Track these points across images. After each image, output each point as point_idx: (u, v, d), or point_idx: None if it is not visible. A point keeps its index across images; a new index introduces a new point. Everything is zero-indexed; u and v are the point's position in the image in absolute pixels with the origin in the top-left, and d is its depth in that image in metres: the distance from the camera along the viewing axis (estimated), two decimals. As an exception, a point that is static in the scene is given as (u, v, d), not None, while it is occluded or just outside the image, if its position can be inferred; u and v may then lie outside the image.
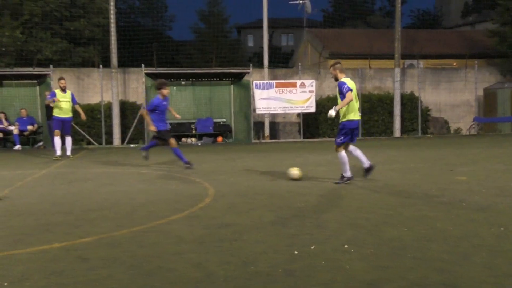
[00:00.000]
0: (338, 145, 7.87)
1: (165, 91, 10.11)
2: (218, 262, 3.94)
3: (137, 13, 38.44)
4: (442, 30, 36.31)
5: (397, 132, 19.90)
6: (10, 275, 3.75)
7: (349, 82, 7.70)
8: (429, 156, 11.99)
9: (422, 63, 24.64)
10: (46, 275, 3.75)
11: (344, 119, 7.79)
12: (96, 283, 3.55)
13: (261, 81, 18.38)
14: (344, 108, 7.73)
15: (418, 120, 20.31)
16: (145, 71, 17.79)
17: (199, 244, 4.51)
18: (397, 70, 20.19)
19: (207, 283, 3.50)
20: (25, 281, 3.63)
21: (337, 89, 7.82)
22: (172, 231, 5.01)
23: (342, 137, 7.82)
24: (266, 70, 19.84)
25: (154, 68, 19.28)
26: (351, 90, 7.57)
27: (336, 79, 7.90)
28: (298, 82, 18.36)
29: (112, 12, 18.38)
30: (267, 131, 19.61)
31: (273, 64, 20.95)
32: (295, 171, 8.28)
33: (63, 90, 12.67)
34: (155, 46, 23.31)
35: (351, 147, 8.02)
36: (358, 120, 7.89)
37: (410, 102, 20.45)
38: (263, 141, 18.93)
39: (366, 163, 8.07)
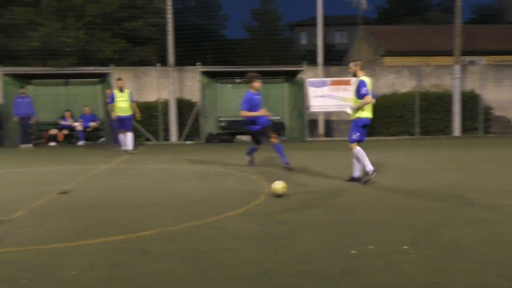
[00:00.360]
0: (352, 142, 7.88)
1: (256, 84, 9.56)
2: (274, 259, 3.97)
3: (193, 12, 39.15)
4: (506, 25, 34.69)
5: (456, 131, 19.23)
6: (77, 265, 3.95)
7: (368, 82, 7.78)
8: (492, 156, 11.52)
9: (483, 59, 23.66)
10: (110, 266, 3.92)
11: (356, 116, 7.85)
12: (157, 276, 3.68)
13: (315, 79, 18.28)
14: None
15: (479, 118, 19.53)
16: (200, 69, 18.11)
17: (255, 240, 4.57)
18: (457, 67, 19.50)
19: (264, 280, 3.55)
20: (91, 271, 3.81)
21: (355, 85, 7.88)
22: (229, 227, 5.10)
23: (358, 133, 7.85)
24: (320, 68, 19.70)
25: (209, 66, 19.58)
26: (368, 94, 7.65)
27: (355, 75, 7.98)
28: (353, 79, 18.10)
29: (169, 12, 18.83)
30: (321, 129, 19.48)
31: (326, 62, 20.74)
32: (278, 186, 6.73)
33: (121, 90, 13.31)
34: (210, 45, 23.66)
35: (358, 148, 7.93)
36: (369, 118, 7.93)
37: (470, 100, 19.69)
38: (317, 139, 18.83)
39: (357, 172, 7.93)
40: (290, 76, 19.43)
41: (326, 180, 8.16)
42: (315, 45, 20.95)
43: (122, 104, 13.28)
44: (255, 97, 9.58)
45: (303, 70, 18.24)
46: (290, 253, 4.13)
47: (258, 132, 9.65)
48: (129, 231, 4.96)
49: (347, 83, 17.97)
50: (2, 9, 23.19)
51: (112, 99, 13.39)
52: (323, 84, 17.93)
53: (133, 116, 13.67)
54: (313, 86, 17.90)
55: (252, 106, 9.50)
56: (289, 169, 9.30)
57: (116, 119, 13.43)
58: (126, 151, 13.38)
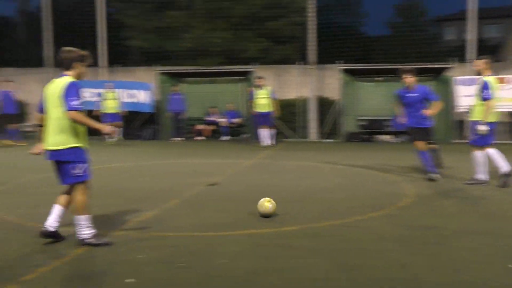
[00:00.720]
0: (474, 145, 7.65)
1: (406, 80, 8.36)
2: (424, 266, 3.80)
3: (333, 10, 38.91)
4: None
5: None
6: (227, 254, 4.19)
7: (493, 84, 7.31)
8: None
9: None
10: (256, 257, 4.09)
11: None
12: (302, 272, 3.74)
13: (464, 77, 17.04)
14: (482, 109, 7.33)
15: None
16: (341, 67, 17.97)
17: (402, 244, 4.42)
18: None
19: (413, 286, 3.42)
20: (240, 260, 4.01)
21: (479, 85, 7.43)
22: (373, 228, 5.00)
23: (477, 138, 7.48)
24: (469, 65, 18.31)
25: (349, 64, 19.31)
26: (491, 97, 7.21)
27: (479, 74, 7.50)
28: (509, 78, 16.53)
29: (311, 10, 18.97)
30: (469, 131, 18.12)
31: (477, 58, 19.21)
32: (265, 205, 5.59)
33: (260, 87, 14.03)
34: (350, 42, 23.33)
35: (490, 150, 7.54)
36: (495, 122, 7.55)
37: None
38: (465, 141, 17.56)
39: (505, 167, 7.41)
40: (436, 74, 18.36)
41: (477, 185, 7.54)
42: (463, 41, 19.53)
43: (262, 101, 14.07)
44: (407, 94, 8.47)
45: (452, 67, 17.13)
46: (441, 261, 3.92)
47: (407, 130, 8.89)
48: (273, 225, 5.12)
49: (501, 81, 16.45)
50: (160, 13, 25.37)
51: (252, 96, 14.18)
52: (473, 83, 16.62)
53: (272, 113, 14.21)
54: (462, 84, 16.73)
55: (405, 104, 8.55)
56: (431, 179, 8.03)
57: (257, 115, 14.13)
58: (266, 146, 13.92)
